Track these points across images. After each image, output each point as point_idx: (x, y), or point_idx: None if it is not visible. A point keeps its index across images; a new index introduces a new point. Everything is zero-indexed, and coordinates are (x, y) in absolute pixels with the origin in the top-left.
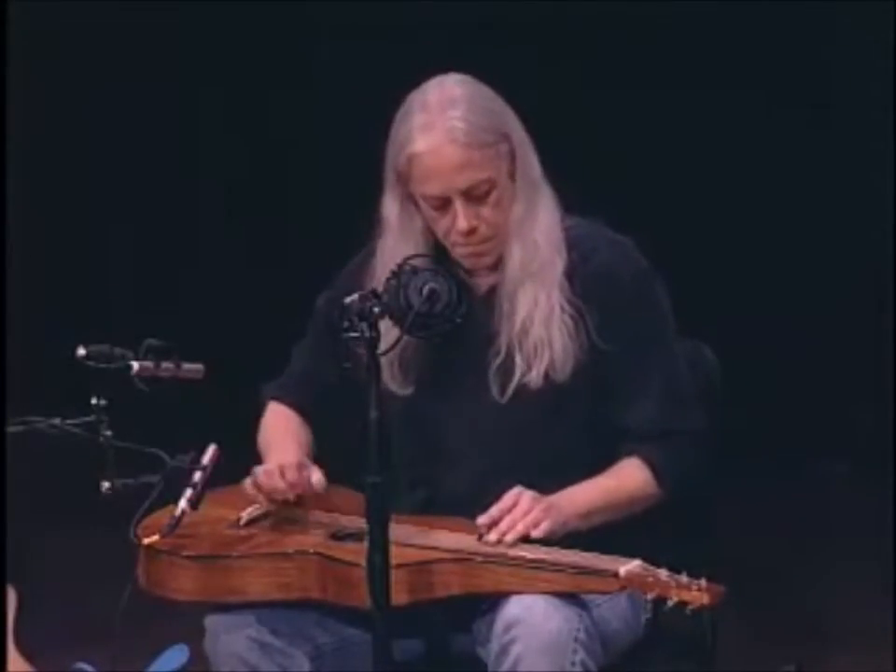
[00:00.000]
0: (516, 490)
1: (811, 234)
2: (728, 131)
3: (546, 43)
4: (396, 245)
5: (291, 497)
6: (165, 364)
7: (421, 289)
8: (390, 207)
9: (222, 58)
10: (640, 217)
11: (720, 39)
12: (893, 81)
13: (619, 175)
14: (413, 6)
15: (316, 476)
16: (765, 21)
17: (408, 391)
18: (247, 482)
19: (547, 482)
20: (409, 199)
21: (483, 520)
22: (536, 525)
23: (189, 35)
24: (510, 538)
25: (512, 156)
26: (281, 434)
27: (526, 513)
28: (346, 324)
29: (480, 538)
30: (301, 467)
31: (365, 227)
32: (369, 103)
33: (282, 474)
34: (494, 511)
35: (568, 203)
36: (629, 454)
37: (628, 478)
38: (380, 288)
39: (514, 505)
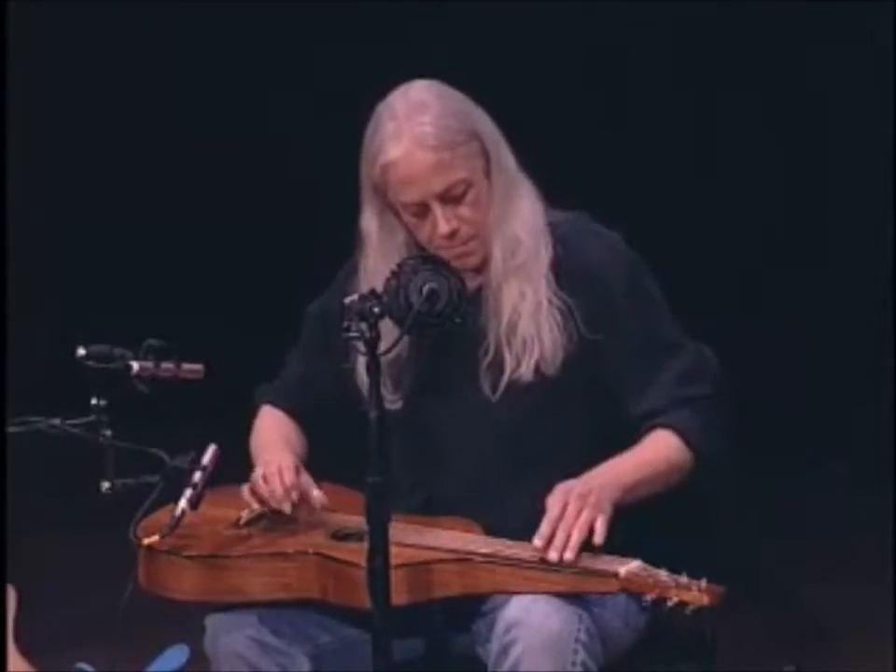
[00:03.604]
0: (560, 491)
1: (811, 234)
2: (728, 130)
3: (546, 44)
4: (376, 262)
5: (287, 506)
6: (165, 364)
7: (421, 289)
8: (369, 222)
9: (222, 58)
10: (641, 216)
11: (720, 39)
12: (893, 81)
13: (619, 173)
14: (411, 6)
15: (317, 492)
16: (765, 21)
17: (400, 398)
18: (245, 488)
19: (543, 476)
20: (388, 210)
21: (537, 542)
22: (590, 525)
23: (188, 36)
24: (570, 555)
25: (485, 154)
26: (275, 439)
27: (578, 517)
28: (346, 324)
29: (542, 560)
30: (297, 470)
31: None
32: (368, 104)
33: (280, 477)
34: (544, 526)
35: (562, 203)
36: (653, 427)
37: (663, 448)
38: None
39: (563, 510)
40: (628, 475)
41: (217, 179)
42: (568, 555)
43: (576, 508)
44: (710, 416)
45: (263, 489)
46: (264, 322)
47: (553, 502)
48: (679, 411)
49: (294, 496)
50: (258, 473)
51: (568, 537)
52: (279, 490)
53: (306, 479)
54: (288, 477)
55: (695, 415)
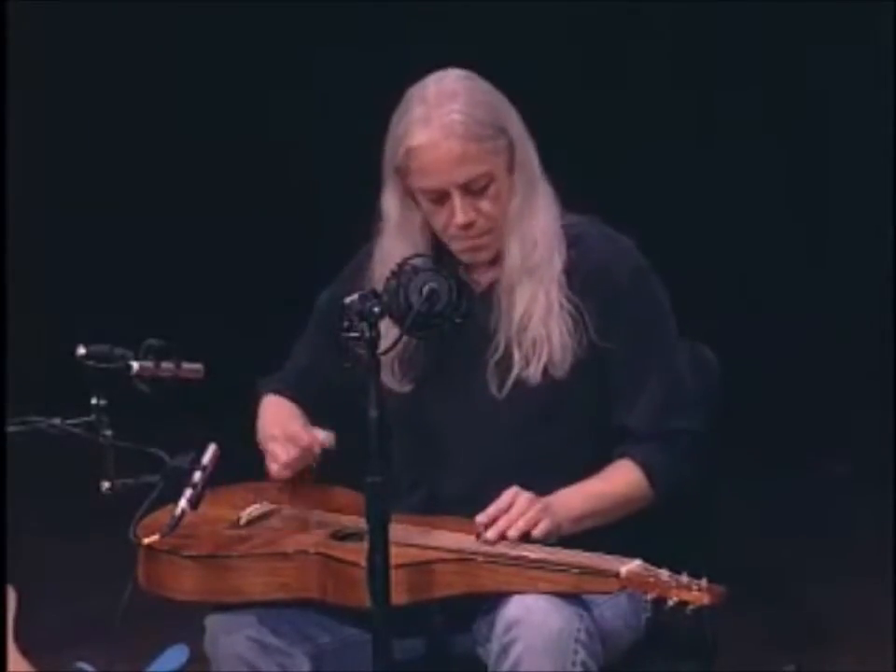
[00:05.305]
0: (513, 489)
1: (811, 234)
2: (727, 130)
3: (545, 46)
4: (394, 242)
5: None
6: (165, 364)
7: (421, 289)
8: (389, 202)
9: (222, 58)
10: (641, 216)
11: (720, 39)
12: (893, 81)
13: (620, 174)
14: (411, 7)
15: (323, 434)
16: (765, 21)
17: (407, 388)
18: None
19: (546, 480)
20: (408, 194)
21: (480, 518)
22: (533, 525)
23: (189, 36)
24: (513, 533)
25: (511, 150)
26: (282, 412)
27: (523, 513)
28: (346, 324)
29: (478, 536)
30: (307, 428)
31: (364, 226)
32: (367, 104)
33: (294, 441)
34: (491, 509)
35: (568, 201)
36: (623, 455)
37: (622, 481)
38: (379, 287)
39: (511, 504)
40: (578, 508)
41: (218, 180)
42: (511, 534)
43: (524, 506)
44: (683, 453)
45: (282, 455)
46: (264, 322)
47: (505, 495)
48: (650, 444)
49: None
50: (272, 442)
51: (510, 525)
52: (294, 454)
53: (309, 436)
54: (302, 438)
55: (666, 452)
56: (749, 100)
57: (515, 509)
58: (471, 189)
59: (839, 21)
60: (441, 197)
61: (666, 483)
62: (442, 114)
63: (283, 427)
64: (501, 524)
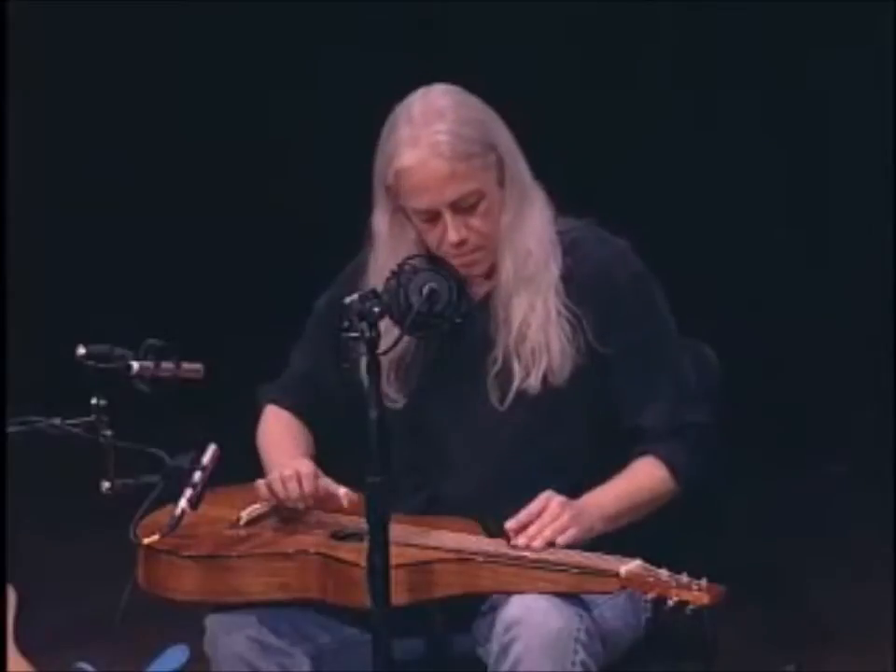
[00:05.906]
0: (546, 494)
1: (811, 235)
2: (727, 130)
3: (544, 45)
4: (386, 260)
5: (303, 506)
6: (165, 364)
7: (421, 289)
8: (380, 221)
9: (223, 58)
10: (641, 216)
11: (720, 39)
12: (893, 81)
13: (618, 174)
14: (413, 7)
15: (343, 490)
16: (765, 21)
17: (407, 399)
18: (260, 483)
19: (548, 485)
20: (399, 210)
21: (511, 524)
22: (563, 531)
23: (189, 36)
24: (538, 543)
25: (500, 164)
26: (285, 439)
27: (555, 519)
28: (346, 324)
29: (508, 541)
30: (316, 475)
31: (364, 227)
32: (369, 104)
33: (299, 483)
34: (522, 515)
35: (566, 202)
36: (644, 453)
37: (648, 478)
38: (380, 289)
39: (543, 510)
40: (611, 507)
41: (218, 180)
42: (536, 544)
43: (556, 511)
44: (699, 445)
45: (280, 491)
46: (264, 322)
47: (537, 500)
48: (669, 440)
49: (310, 502)
50: (275, 475)
51: (540, 531)
52: (295, 495)
53: (326, 481)
54: (307, 484)
55: (685, 446)
56: (749, 100)
57: (548, 514)
58: (461, 207)
59: (839, 22)
60: (433, 217)
61: (689, 476)
62: (429, 133)
63: (294, 467)
64: (531, 530)
